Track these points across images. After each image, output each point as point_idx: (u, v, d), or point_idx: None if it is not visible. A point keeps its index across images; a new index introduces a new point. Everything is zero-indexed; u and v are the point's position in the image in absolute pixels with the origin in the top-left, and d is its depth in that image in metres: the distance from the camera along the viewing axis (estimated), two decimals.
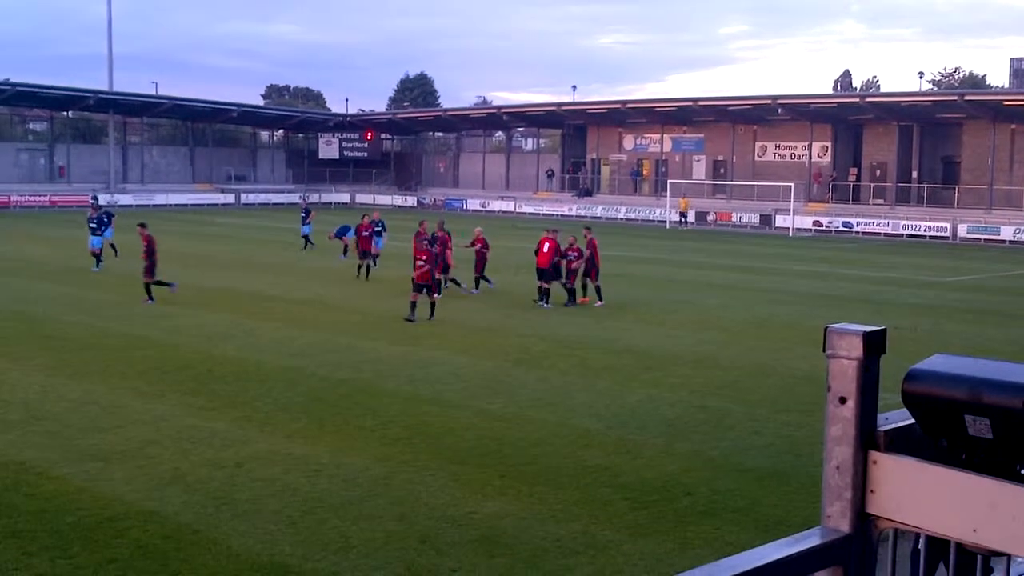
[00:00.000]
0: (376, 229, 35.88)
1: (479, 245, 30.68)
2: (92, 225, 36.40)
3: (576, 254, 28.52)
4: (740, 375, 19.60)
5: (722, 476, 13.16)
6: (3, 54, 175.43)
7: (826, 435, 2.49)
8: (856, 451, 2.43)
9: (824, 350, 2.49)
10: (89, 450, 13.74)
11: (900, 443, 2.46)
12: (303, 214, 44.99)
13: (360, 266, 33.51)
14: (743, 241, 56.62)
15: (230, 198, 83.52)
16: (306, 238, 43.48)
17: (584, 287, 28.87)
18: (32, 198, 73.27)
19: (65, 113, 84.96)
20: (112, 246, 36.97)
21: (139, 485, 12.32)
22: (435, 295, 25.46)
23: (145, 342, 21.79)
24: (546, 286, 28.12)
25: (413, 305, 24.85)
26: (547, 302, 28.02)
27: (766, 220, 65.84)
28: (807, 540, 2.38)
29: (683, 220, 66.94)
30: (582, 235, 29.14)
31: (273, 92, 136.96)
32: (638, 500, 12.12)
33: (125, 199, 78.32)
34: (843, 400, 2.43)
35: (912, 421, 2.48)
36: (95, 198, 55.48)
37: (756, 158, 72.94)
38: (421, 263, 25.12)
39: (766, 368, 20.34)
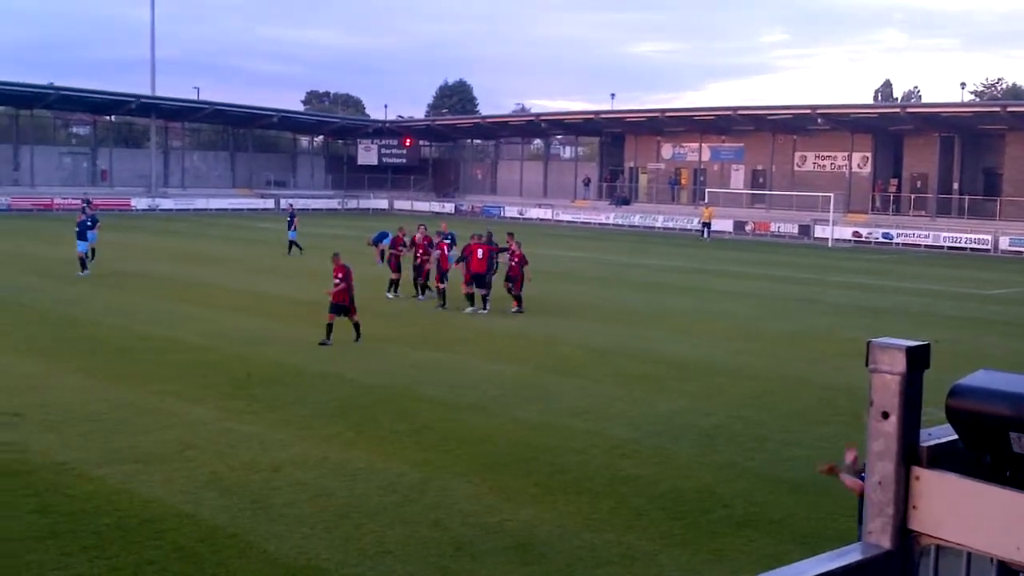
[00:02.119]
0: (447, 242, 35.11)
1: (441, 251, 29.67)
2: (88, 223, 37.03)
3: (519, 260, 28.34)
4: (776, 386, 19.49)
5: (758, 488, 13.09)
6: (47, 58, 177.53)
7: (868, 450, 2.48)
8: (898, 466, 2.41)
9: (867, 364, 2.48)
10: (127, 452, 13.87)
11: (943, 459, 2.44)
12: (289, 219, 45.60)
13: (394, 281, 30.84)
14: (781, 251, 56.31)
15: (269, 203, 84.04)
16: (293, 243, 43.85)
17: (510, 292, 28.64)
18: (75, 201, 73.91)
19: (108, 117, 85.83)
20: (92, 250, 37.26)
21: (177, 487, 12.41)
22: (353, 315, 22.83)
23: (183, 345, 21.96)
24: (483, 292, 27.99)
25: (329, 328, 22.36)
26: (485, 307, 27.93)
27: (805, 230, 65.44)
28: (848, 555, 2.36)
29: (705, 231, 65.47)
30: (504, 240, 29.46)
31: (313, 98, 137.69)
32: (673, 510, 12.08)
33: (166, 203, 79.12)
34: (885, 415, 2.42)
35: (955, 437, 2.47)
36: (87, 201, 56.04)
37: (795, 168, 72.50)
38: (338, 281, 22.69)
39: (803, 379, 20.22)
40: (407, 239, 30.95)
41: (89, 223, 37.73)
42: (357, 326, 22.80)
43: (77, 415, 15.78)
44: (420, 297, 30.10)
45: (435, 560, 10.37)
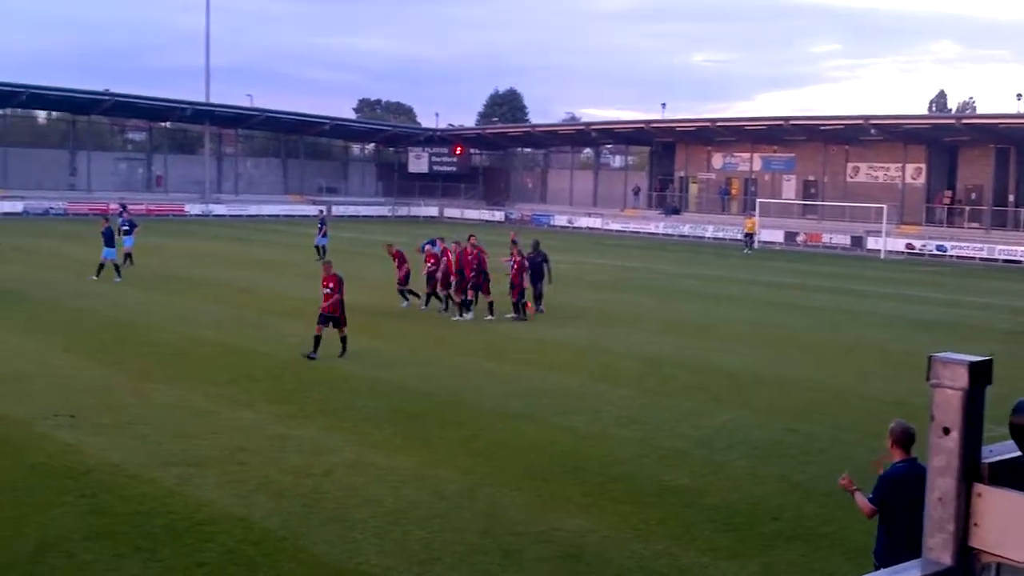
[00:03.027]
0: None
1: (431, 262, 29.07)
2: (125, 228, 38.25)
3: (518, 266, 28.15)
4: (828, 398, 19.32)
5: (810, 501, 12.99)
6: (104, 65, 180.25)
7: (929, 466, 2.46)
8: (959, 483, 2.40)
9: (928, 379, 2.47)
10: (180, 455, 14.02)
11: (1006, 476, 2.43)
12: (319, 224, 45.82)
13: (426, 296, 29.62)
14: (833, 263, 55.82)
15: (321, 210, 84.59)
16: (321, 248, 44.08)
17: (475, 299, 28.35)
18: (130, 206, 74.85)
19: (163, 123, 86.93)
20: (129, 255, 37.88)
21: (228, 491, 12.53)
22: (343, 328, 21.69)
23: (236, 350, 22.17)
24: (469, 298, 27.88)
25: (316, 340, 21.31)
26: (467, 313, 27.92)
27: (857, 242, 64.81)
28: (908, 572, 2.35)
29: (749, 242, 63.00)
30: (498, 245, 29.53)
31: (365, 106, 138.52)
32: (723, 523, 12.02)
33: (219, 209, 79.91)
34: (947, 431, 2.40)
35: (1019, 454, 2.45)
36: (123, 206, 56.80)
37: (848, 179, 71.84)
38: (328, 291, 21.62)
39: (855, 392, 20.03)
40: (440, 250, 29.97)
41: (127, 227, 38.40)
42: (344, 340, 21.54)
43: (131, 417, 15.99)
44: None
45: (483, 568, 10.39)
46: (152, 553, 10.45)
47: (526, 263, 28.33)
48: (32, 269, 33.50)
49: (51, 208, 72.19)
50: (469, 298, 27.97)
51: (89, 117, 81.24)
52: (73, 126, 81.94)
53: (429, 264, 29.04)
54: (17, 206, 70.80)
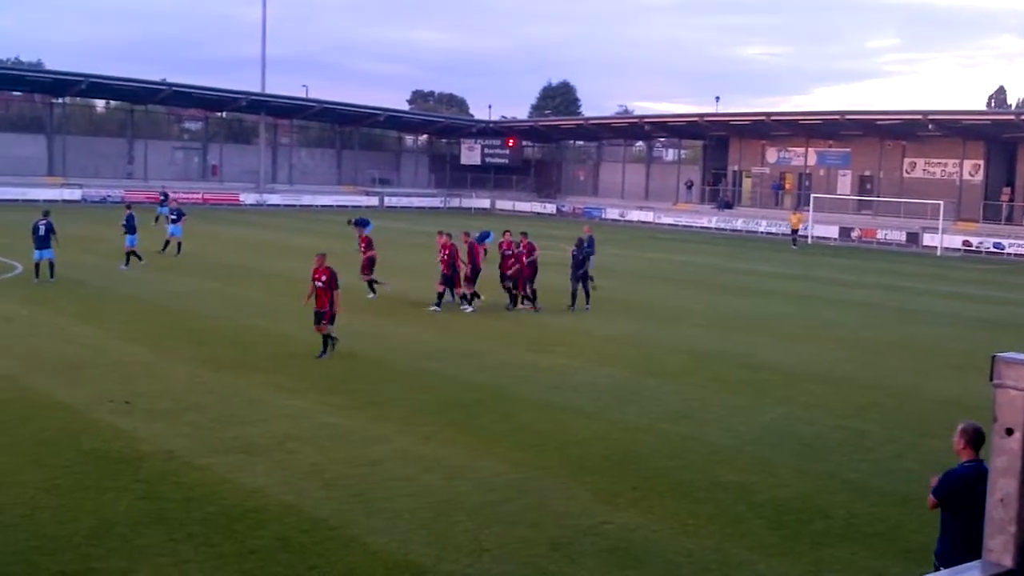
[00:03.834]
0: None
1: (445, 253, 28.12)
2: (172, 217, 38.84)
3: (513, 259, 28.16)
4: (881, 396, 19.12)
5: (860, 499, 12.86)
6: (162, 55, 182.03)
7: (991, 467, 2.42)
8: (1022, 484, 2.36)
9: (991, 379, 2.43)
10: (232, 442, 14.16)
11: None
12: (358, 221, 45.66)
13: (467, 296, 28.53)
14: (888, 259, 55.21)
15: (374, 200, 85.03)
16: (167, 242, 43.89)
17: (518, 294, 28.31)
18: (186, 195, 75.69)
19: (219, 113, 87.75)
20: (179, 243, 38.35)
21: (279, 479, 12.63)
22: (328, 326, 20.58)
23: (286, 339, 22.33)
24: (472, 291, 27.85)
25: (325, 340, 20.51)
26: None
27: (913, 238, 64.02)
28: (968, 573, 2.32)
29: (795, 238, 61.48)
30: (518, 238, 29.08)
31: (418, 97, 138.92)
32: (773, 519, 11.93)
33: (273, 199, 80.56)
34: (1010, 432, 2.36)
35: None
36: (165, 195, 57.54)
37: (904, 174, 71.00)
38: (321, 284, 20.53)
39: (909, 390, 19.80)
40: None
41: (174, 216, 38.85)
42: (326, 339, 20.46)
43: (184, 404, 16.17)
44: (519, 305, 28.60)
45: (532, 560, 10.40)
46: (205, 539, 10.57)
47: (528, 253, 28.20)
48: (88, 256, 33.92)
49: (109, 196, 73.08)
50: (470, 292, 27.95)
51: (147, 106, 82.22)
52: (131, 115, 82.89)
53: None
54: (76, 194, 71.82)
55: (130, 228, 33.86)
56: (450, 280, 27.59)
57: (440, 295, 27.44)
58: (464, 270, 27.80)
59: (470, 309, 27.61)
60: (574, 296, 28.44)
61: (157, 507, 11.44)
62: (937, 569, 7.99)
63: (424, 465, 13.45)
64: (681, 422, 16.43)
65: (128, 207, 36.52)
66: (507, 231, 29.47)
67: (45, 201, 64.80)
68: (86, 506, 11.36)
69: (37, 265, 29.60)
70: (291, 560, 10.13)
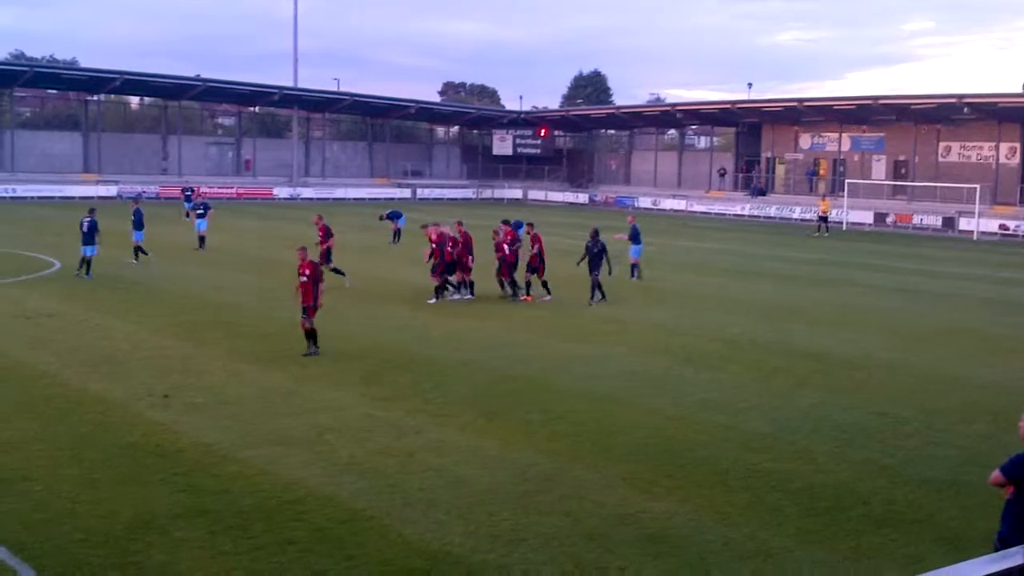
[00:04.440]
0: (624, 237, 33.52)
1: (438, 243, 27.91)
2: (199, 211, 39.41)
3: (498, 245, 28.08)
4: (919, 382, 18.98)
5: (898, 486, 12.78)
6: (194, 51, 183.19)
7: None
8: None
9: None
10: (269, 435, 14.25)
11: None
12: (391, 214, 45.64)
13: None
14: (924, 244, 54.78)
15: (406, 192, 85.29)
16: (397, 233, 44.12)
17: (528, 284, 28.11)
18: (220, 190, 76.21)
19: (252, 108, 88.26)
20: (201, 237, 38.71)
21: (316, 470, 12.71)
22: (310, 320, 19.87)
23: (323, 332, 22.38)
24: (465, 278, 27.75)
25: (308, 335, 19.90)
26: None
27: (949, 223, 63.45)
28: (1012, 558, 2.31)
29: (823, 224, 59.38)
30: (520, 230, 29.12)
31: (449, 89, 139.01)
32: (809, 507, 11.88)
33: (307, 192, 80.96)
34: None
35: None
36: (191, 188, 58.43)
37: (939, 159, 70.34)
38: (305, 279, 19.86)
39: (947, 376, 19.65)
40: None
41: (201, 210, 39.24)
42: (309, 334, 19.89)
43: (223, 397, 16.29)
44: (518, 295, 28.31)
45: (568, 549, 10.41)
46: (243, 531, 10.65)
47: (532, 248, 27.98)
48: (124, 252, 34.16)
49: (144, 192, 73.63)
50: (459, 280, 27.90)
51: (180, 102, 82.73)
52: (165, 111, 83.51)
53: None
54: (111, 190, 72.47)
55: (137, 223, 34.01)
56: (451, 268, 27.56)
57: (448, 285, 27.59)
58: (467, 260, 27.82)
59: (457, 296, 27.60)
60: (594, 288, 27.79)
61: (196, 500, 11.54)
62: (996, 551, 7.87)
63: (460, 456, 13.49)
64: (718, 410, 16.38)
65: (135, 202, 36.57)
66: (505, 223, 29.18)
67: (81, 198, 65.46)
68: (125, 499, 11.48)
69: (82, 260, 30.01)
70: (329, 551, 10.19)
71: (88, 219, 30.24)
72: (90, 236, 29.92)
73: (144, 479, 12.20)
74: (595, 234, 28.00)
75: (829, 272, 38.15)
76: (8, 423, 14.55)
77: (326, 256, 29.37)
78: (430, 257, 27.54)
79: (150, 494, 11.69)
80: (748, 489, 12.46)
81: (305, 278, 19.77)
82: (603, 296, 27.68)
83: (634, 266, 32.96)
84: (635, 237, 32.95)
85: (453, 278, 27.86)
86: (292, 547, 10.26)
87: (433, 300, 27.00)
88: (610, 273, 27.91)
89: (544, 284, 28.06)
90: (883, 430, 15.46)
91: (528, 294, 27.95)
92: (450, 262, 27.53)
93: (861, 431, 15.35)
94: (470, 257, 27.90)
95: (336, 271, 29.17)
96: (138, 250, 33.77)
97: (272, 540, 10.41)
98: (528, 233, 28.70)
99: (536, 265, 27.89)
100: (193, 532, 10.60)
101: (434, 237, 27.49)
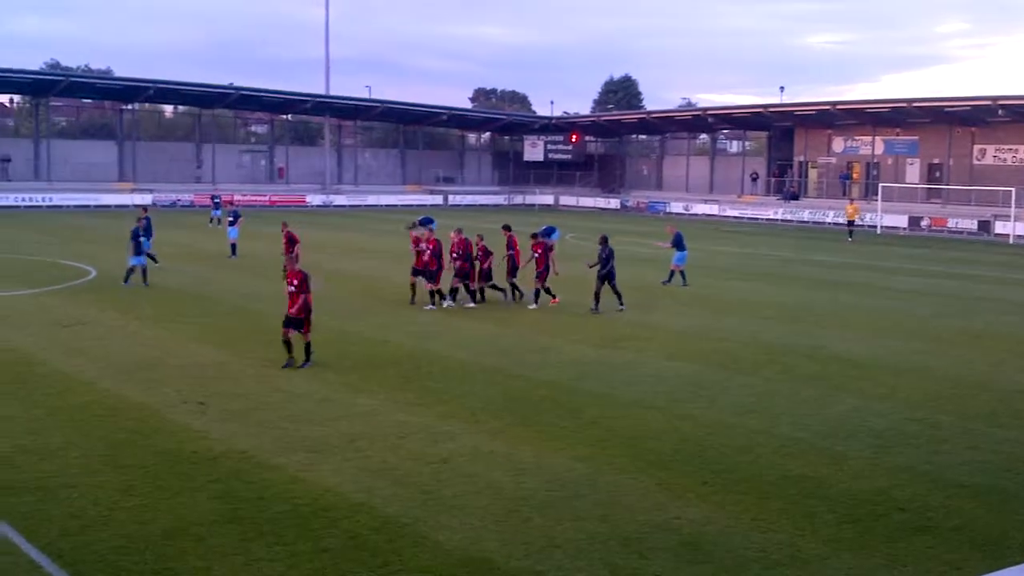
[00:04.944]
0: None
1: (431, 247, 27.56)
2: (229, 219, 39.66)
3: (482, 252, 27.75)
4: (954, 387, 18.83)
5: (935, 492, 12.68)
6: (227, 57, 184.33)
7: None
8: None
9: None
10: (303, 441, 14.31)
11: None
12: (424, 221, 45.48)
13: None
14: (959, 248, 54.34)
15: (438, 199, 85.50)
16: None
17: (537, 292, 27.79)
18: (253, 197, 76.66)
19: (285, 116, 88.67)
20: (233, 245, 38.91)
21: (350, 477, 12.75)
22: (306, 333, 19.50)
23: (356, 338, 22.52)
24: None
25: (286, 345, 19.37)
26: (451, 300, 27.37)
27: (984, 226, 62.91)
28: None
29: (850, 230, 58.65)
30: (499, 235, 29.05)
31: (480, 95, 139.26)
32: (845, 513, 11.81)
33: (339, 199, 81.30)
34: None
35: None
36: (217, 196, 59.14)
37: (974, 161, 69.77)
38: (293, 289, 19.45)
39: (982, 381, 19.48)
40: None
41: (231, 218, 39.48)
42: (308, 347, 19.47)
43: (257, 404, 16.37)
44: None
45: (603, 556, 10.39)
46: (277, 538, 10.69)
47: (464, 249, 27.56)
48: (160, 259, 34.41)
49: (178, 200, 74.27)
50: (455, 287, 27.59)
51: (214, 110, 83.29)
52: (198, 119, 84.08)
53: (536, 253, 27.87)
54: (146, 198, 72.93)
55: (146, 232, 33.93)
56: (466, 274, 27.34)
57: (454, 291, 27.37)
58: (473, 266, 27.61)
59: (451, 304, 27.24)
60: (596, 296, 27.07)
61: (231, 506, 11.60)
62: None
63: (493, 462, 13.49)
64: (751, 415, 16.32)
65: (145, 211, 36.36)
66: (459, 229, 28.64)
67: (117, 207, 66.04)
68: (162, 506, 11.56)
69: (130, 269, 30.49)
70: (363, 558, 10.22)
71: (134, 227, 30.70)
72: (138, 244, 30.36)
73: (180, 486, 12.28)
74: (604, 240, 27.49)
75: (863, 276, 37.91)
76: (45, 430, 14.68)
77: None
78: (429, 260, 27.21)
79: (186, 500, 11.77)
80: (782, 495, 12.40)
81: (293, 288, 19.44)
82: (596, 307, 26.88)
83: (680, 273, 32.84)
84: (679, 244, 32.81)
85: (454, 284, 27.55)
86: (326, 554, 10.30)
87: (449, 303, 27.05)
88: (611, 281, 27.05)
89: (545, 290, 27.79)
90: (919, 435, 15.35)
91: (553, 296, 27.77)
92: (465, 269, 27.38)
93: (896, 436, 15.25)
94: (467, 264, 27.55)
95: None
96: (149, 257, 33.77)
97: (306, 547, 10.45)
98: (539, 241, 27.94)
99: (540, 271, 27.59)
100: (227, 539, 10.66)
101: (428, 242, 27.25)
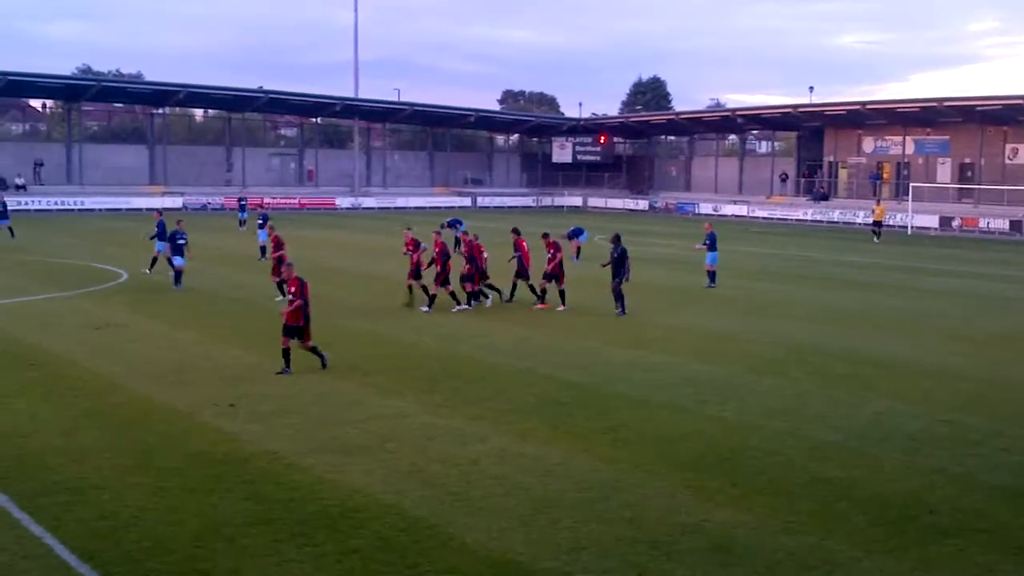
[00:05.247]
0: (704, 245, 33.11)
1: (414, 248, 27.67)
2: (259, 222, 39.95)
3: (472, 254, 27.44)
4: (988, 389, 18.66)
5: (968, 494, 12.57)
6: (256, 61, 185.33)
7: None
8: None
9: None
10: (332, 443, 14.35)
11: None
12: (453, 223, 45.38)
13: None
14: (991, 248, 53.90)
15: (466, 201, 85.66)
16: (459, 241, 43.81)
17: (543, 292, 27.60)
18: (283, 200, 77.04)
19: (314, 119, 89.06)
20: (262, 247, 39.10)
21: (378, 478, 12.77)
22: (306, 341, 19.33)
23: (386, 339, 22.58)
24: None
25: (285, 354, 19.09)
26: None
27: (1016, 226, 62.38)
28: None
29: (876, 231, 57.50)
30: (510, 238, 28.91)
31: (509, 97, 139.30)
32: (877, 516, 11.72)
33: (368, 202, 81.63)
34: None
35: None
36: (244, 199, 60.72)
37: (1006, 161, 69.20)
38: (291, 296, 19.35)
39: (1016, 383, 19.30)
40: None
41: (260, 221, 39.74)
42: (315, 351, 19.36)
43: (287, 406, 16.43)
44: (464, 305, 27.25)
45: (631, 558, 10.37)
46: (307, 539, 10.73)
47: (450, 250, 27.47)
48: (191, 262, 34.58)
49: (209, 203, 74.79)
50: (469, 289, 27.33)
51: (244, 114, 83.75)
52: (228, 123, 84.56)
53: (549, 253, 27.59)
54: (177, 201, 73.52)
55: (161, 235, 33.97)
56: (447, 279, 26.76)
57: (435, 296, 26.85)
58: (464, 268, 27.39)
59: (466, 308, 26.95)
60: (617, 297, 26.69)
61: (261, 508, 11.65)
62: None
63: (521, 463, 13.48)
64: (781, 417, 16.23)
65: (159, 214, 36.34)
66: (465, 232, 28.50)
67: (147, 210, 66.40)
68: (192, 508, 11.62)
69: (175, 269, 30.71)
70: (391, 559, 10.23)
71: (175, 229, 30.96)
72: (175, 247, 30.55)
73: (210, 487, 12.34)
74: (616, 239, 27.10)
75: (894, 277, 37.67)
76: (77, 432, 14.79)
77: (278, 266, 28.77)
78: (430, 264, 27.14)
79: (216, 502, 11.82)
80: (813, 498, 12.32)
81: (291, 296, 19.33)
82: (623, 308, 26.54)
83: (711, 273, 32.74)
84: (712, 244, 32.70)
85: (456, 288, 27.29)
86: (355, 555, 10.32)
87: (460, 307, 26.76)
88: (627, 279, 26.74)
89: (541, 292, 27.76)
90: (951, 437, 15.22)
91: (544, 301, 27.61)
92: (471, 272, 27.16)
93: (928, 439, 15.13)
94: (471, 266, 27.33)
95: (280, 285, 28.23)
96: (155, 260, 33.66)
97: (335, 548, 10.48)
98: (548, 243, 27.81)
99: (551, 271, 27.36)
100: (258, 540, 10.70)
101: (426, 242, 27.11)
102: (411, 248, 27.67)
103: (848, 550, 10.69)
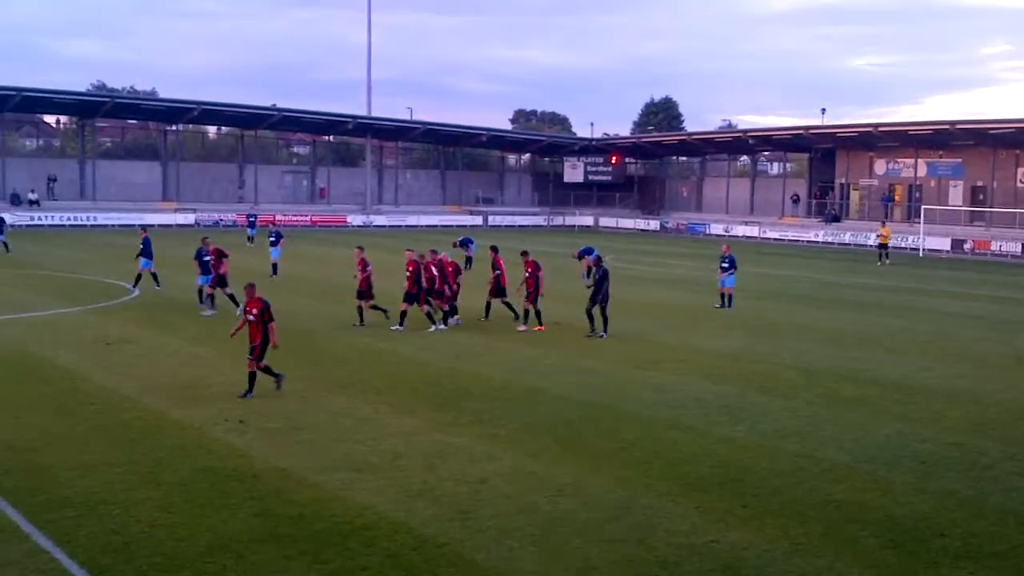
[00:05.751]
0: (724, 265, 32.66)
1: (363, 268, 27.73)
2: (271, 239, 40.09)
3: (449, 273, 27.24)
4: (1000, 412, 18.59)
5: (979, 518, 12.52)
6: (269, 79, 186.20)
7: None
8: None
9: None
10: (343, 460, 14.36)
11: None
12: (464, 241, 45.20)
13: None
14: (1003, 271, 53.76)
15: (478, 220, 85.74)
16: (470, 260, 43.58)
17: (526, 312, 27.31)
18: (295, 218, 77.24)
19: (326, 137, 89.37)
20: (274, 264, 39.35)
21: (389, 496, 12.77)
22: (253, 362, 18.69)
23: (397, 358, 22.60)
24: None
25: (251, 376, 18.63)
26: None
27: None
28: None
29: (883, 254, 56.51)
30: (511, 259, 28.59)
31: (521, 116, 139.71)
32: (887, 539, 11.68)
33: (380, 220, 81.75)
34: None
35: None
36: (253, 216, 61.67)
37: (1018, 184, 69.06)
38: (252, 318, 18.75)
39: None
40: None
41: (273, 238, 39.81)
42: (267, 370, 18.77)
43: (297, 423, 16.45)
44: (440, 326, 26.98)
45: None
46: (316, 556, 10.73)
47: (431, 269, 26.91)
48: (190, 278, 34.67)
49: (221, 220, 75.00)
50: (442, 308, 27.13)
51: (256, 131, 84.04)
52: (241, 140, 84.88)
53: (527, 272, 27.41)
54: (189, 218, 73.81)
55: (146, 252, 33.89)
56: (414, 298, 26.50)
57: (403, 314, 26.53)
58: (444, 288, 27.07)
59: (443, 328, 26.76)
60: (589, 317, 26.34)
61: (270, 524, 11.66)
62: None
63: (531, 483, 13.47)
64: (792, 439, 16.20)
65: (144, 231, 36.09)
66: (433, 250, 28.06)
67: (160, 226, 66.68)
68: (202, 523, 11.63)
69: (200, 290, 30.25)
70: None
71: (199, 247, 30.49)
72: (202, 265, 29.93)
73: (220, 503, 12.36)
74: (598, 260, 27.01)
75: (905, 299, 37.60)
76: (88, 447, 14.82)
77: (219, 281, 29.16)
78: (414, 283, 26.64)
79: (226, 518, 11.83)
80: (824, 520, 12.28)
81: (252, 317, 18.77)
82: (592, 330, 26.21)
83: (728, 296, 32.49)
84: (731, 266, 32.40)
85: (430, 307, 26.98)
86: (365, 573, 10.32)
87: (437, 327, 26.52)
88: (603, 303, 26.19)
89: (536, 313, 27.30)
90: (962, 461, 15.17)
91: (524, 323, 27.33)
92: (428, 290, 26.74)
93: (940, 462, 15.08)
94: (445, 286, 27.10)
95: (232, 298, 28.44)
96: (141, 276, 33.58)
97: (345, 566, 10.48)
98: (528, 260, 27.56)
99: (531, 291, 27.13)
100: (267, 556, 10.70)
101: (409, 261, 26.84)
102: (410, 270, 27.11)
103: (859, 572, 10.66)
